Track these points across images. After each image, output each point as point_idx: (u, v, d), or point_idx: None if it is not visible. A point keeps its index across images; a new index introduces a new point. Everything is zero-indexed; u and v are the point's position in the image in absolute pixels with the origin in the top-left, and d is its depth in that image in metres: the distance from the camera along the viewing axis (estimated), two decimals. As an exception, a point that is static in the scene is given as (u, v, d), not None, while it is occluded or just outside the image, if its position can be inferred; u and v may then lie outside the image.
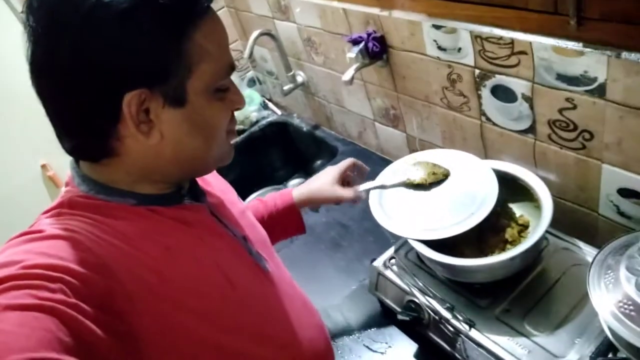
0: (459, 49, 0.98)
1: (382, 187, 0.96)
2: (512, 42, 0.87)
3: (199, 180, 0.70)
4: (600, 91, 0.79)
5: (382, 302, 1.05)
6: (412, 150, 1.34)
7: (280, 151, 1.93)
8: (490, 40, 0.90)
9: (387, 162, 1.45)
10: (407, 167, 0.97)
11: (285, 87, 1.62)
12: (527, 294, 0.89)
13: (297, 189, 1.00)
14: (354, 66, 1.17)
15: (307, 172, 1.82)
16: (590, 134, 0.85)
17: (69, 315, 0.42)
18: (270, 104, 1.93)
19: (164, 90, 0.53)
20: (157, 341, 0.52)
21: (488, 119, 1.03)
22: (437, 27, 0.99)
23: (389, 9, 1.09)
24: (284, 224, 0.98)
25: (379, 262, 1.04)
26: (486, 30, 0.90)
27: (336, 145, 1.63)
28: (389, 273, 1.01)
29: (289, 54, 1.59)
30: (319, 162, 1.75)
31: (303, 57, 1.54)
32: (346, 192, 0.94)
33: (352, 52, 1.15)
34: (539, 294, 0.88)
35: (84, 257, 0.48)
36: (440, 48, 1.02)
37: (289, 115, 1.86)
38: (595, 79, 0.78)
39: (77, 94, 0.52)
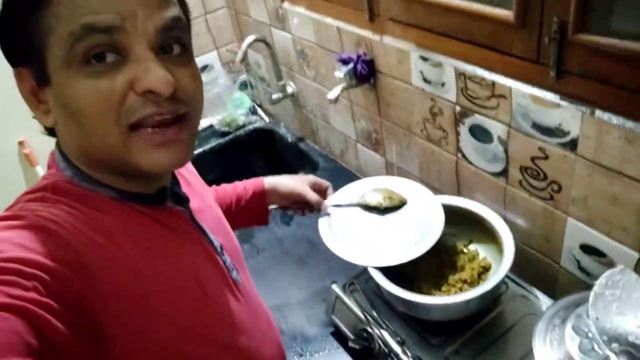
0: (443, 84, 0.98)
1: (338, 205, 0.97)
2: (493, 84, 0.87)
3: (180, 179, 0.67)
4: (572, 145, 0.79)
5: (336, 326, 1.04)
6: (390, 175, 1.33)
7: (262, 158, 1.92)
8: (473, 79, 0.90)
9: (364, 184, 1.46)
10: (365, 190, 0.99)
11: (274, 96, 1.61)
12: (479, 337, 0.88)
13: (269, 177, 1.01)
14: (341, 85, 1.17)
15: (287, 182, 1.80)
16: (559, 186, 0.85)
17: (39, 315, 0.40)
18: (259, 110, 1.92)
19: (31, 68, 0.50)
20: (126, 344, 0.50)
21: (464, 157, 1.03)
22: (424, 59, 0.99)
23: (380, 33, 1.09)
24: (253, 209, 0.98)
25: (338, 286, 1.03)
26: (470, 69, 0.90)
27: (318, 161, 1.62)
28: (346, 298, 1.00)
29: (282, 63, 1.58)
30: (299, 174, 1.74)
31: (295, 68, 1.54)
32: (314, 195, 0.96)
33: (341, 72, 1.15)
34: (490, 339, 0.87)
35: (61, 253, 0.46)
36: (425, 80, 1.02)
37: (276, 123, 1.85)
38: (568, 133, 0.78)
39: None
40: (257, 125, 1.86)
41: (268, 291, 1.19)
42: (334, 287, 1.03)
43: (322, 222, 0.96)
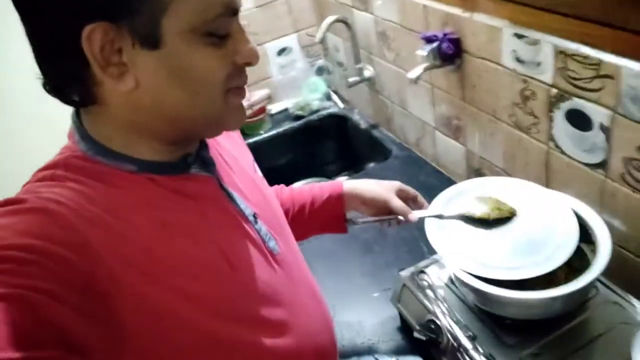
0: (539, 64, 0.89)
1: (439, 216, 0.86)
2: (599, 63, 0.78)
3: (209, 141, 0.64)
4: (693, 133, 0.69)
5: (401, 315, 0.99)
6: (470, 166, 1.25)
7: (334, 144, 1.89)
8: (575, 58, 0.81)
9: (441, 175, 1.39)
10: (468, 198, 0.88)
11: (351, 79, 1.57)
12: (563, 342, 0.80)
13: (350, 181, 0.92)
14: (423, 65, 1.11)
15: (357, 171, 1.77)
16: (672, 181, 0.75)
17: (43, 304, 0.39)
18: (334, 96, 1.89)
19: (133, 27, 0.46)
20: (143, 327, 0.47)
21: (557, 146, 0.94)
22: (519, 37, 0.91)
23: (471, 10, 1.02)
24: (327, 212, 0.90)
25: (406, 273, 0.98)
26: (572, 46, 0.81)
27: (391, 149, 1.57)
28: (414, 286, 0.94)
29: (361, 45, 1.54)
30: (371, 164, 1.70)
31: (374, 51, 1.49)
32: (401, 205, 0.86)
33: (424, 50, 1.09)
34: (576, 345, 0.79)
35: (66, 235, 0.44)
36: (518, 60, 0.94)
37: (350, 109, 1.81)
38: (689, 119, 0.68)
39: (35, 19, 0.47)
40: (330, 110, 1.84)
41: (330, 274, 1.16)
42: (402, 274, 0.98)
43: (431, 227, 0.85)
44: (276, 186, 0.93)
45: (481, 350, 0.80)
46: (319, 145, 1.88)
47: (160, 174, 0.55)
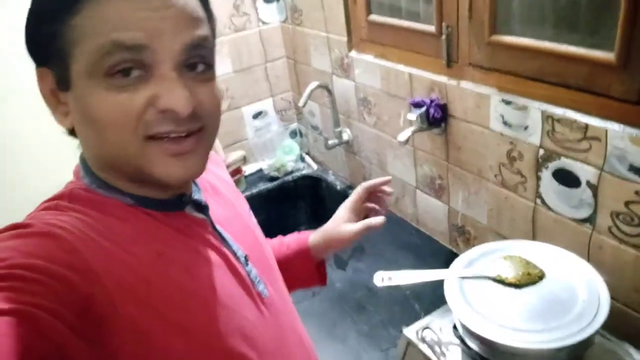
0: (526, 127, 0.98)
1: (464, 277, 0.88)
2: (586, 126, 0.86)
3: (207, 186, 0.67)
4: (677, 188, 0.77)
5: (407, 375, 0.98)
6: (452, 224, 1.31)
7: (308, 205, 1.91)
8: (563, 122, 0.90)
9: (421, 233, 1.43)
10: (495, 258, 0.91)
11: (330, 142, 1.63)
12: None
13: (315, 232, 0.92)
14: (412, 128, 1.17)
15: (333, 230, 1.78)
16: (658, 232, 0.82)
17: (46, 320, 0.40)
18: (307, 158, 1.93)
19: (55, 71, 0.51)
20: (133, 351, 0.49)
21: (544, 203, 1.01)
22: (507, 102, 1.00)
23: (457, 79, 1.11)
24: (299, 268, 0.90)
25: (410, 331, 0.98)
26: (559, 111, 0.90)
27: (369, 208, 1.61)
28: (420, 344, 0.95)
29: (340, 110, 1.61)
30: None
31: (354, 115, 1.56)
32: (352, 228, 0.86)
33: (413, 114, 1.16)
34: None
35: (68, 258, 0.46)
36: (505, 123, 1.02)
37: (325, 171, 1.85)
38: (673, 175, 0.76)
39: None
40: (305, 172, 1.87)
41: (325, 336, 1.15)
42: (405, 332, 0.98)
43: (452, 295, 0.85)
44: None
45: (498, 404, 0.80)
46: (294, 206, 1.89)
47: (156, 210, 0.57)
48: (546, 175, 0.98)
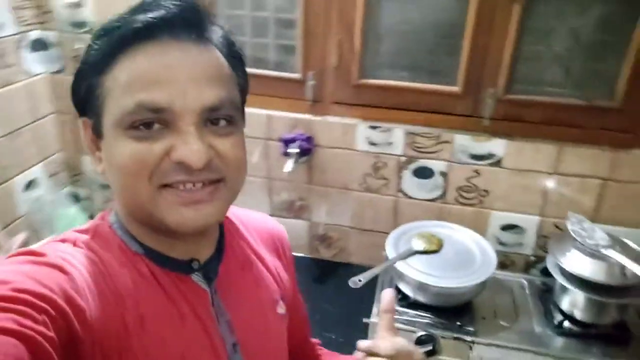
0: (390, 143, 1.34)
1: (393, 261, 1.17)
2: (439, 135, 1.30)
3: (241, 259, 0.66)
4: (497, 163, 1.30)
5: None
6: (313, 235, 1.54)
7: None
8: (421, 135, 1.31)
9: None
10: (409, 238, 1.24)
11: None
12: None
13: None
14: (293, 159, 1.35)
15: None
16: (486, 192, 1.34)
17: (44, 349, 0.42)
18: (95, 222, 1.70)
19: (93, 121, 0.56)
20: None
21: (405, 194, 1.41)
22: (373, 127, 1.33)
23: (322, 115, 1.36)
24: None
25: (373, 318, 1.20)
26: (418, 129, 1.31)
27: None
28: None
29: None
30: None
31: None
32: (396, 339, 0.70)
33: (294, 148, 1.34)
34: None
35: (72, 296, 0.48)
36: (371, 143, 1.35)
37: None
38: (495, 155, 1.29)
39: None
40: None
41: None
42: (368, 320, 1.19)
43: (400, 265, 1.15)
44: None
45: (472, 329, 1.15)
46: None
47: (160, 266, 0.58)
48: (407, 174, 1.38)
